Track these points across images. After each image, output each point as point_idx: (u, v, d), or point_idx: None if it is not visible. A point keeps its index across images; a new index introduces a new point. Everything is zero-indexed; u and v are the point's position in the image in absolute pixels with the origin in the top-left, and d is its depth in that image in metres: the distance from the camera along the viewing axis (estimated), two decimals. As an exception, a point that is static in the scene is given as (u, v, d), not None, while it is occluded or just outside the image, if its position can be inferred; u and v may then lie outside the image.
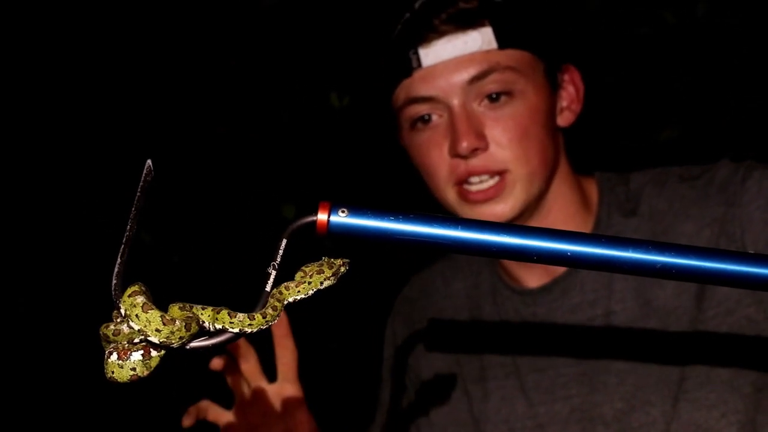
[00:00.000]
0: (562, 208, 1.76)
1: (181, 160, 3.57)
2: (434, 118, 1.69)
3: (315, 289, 0.91)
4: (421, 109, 1.69)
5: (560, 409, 1.72)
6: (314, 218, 0.87)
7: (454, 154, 1.66)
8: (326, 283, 0.91)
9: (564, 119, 1.78)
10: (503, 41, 1.65)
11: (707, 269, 0.85)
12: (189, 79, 3.60)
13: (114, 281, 0.83)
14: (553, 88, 1.73)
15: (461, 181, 1.68)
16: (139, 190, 0.86)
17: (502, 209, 1.67)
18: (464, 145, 1.63)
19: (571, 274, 1.73)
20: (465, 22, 1.64)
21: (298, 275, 0.91)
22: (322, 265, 0.92)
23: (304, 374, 1.70)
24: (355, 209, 0.87)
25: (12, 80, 3.66)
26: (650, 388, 1.65)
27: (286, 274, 0.91)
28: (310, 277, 0.91)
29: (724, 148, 3.04)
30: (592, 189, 1.80)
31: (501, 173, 1.66)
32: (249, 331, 0.84)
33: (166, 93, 3.60)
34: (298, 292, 0.90)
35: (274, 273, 0.86)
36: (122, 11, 3.60)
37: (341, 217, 0.87)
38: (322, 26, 3.49)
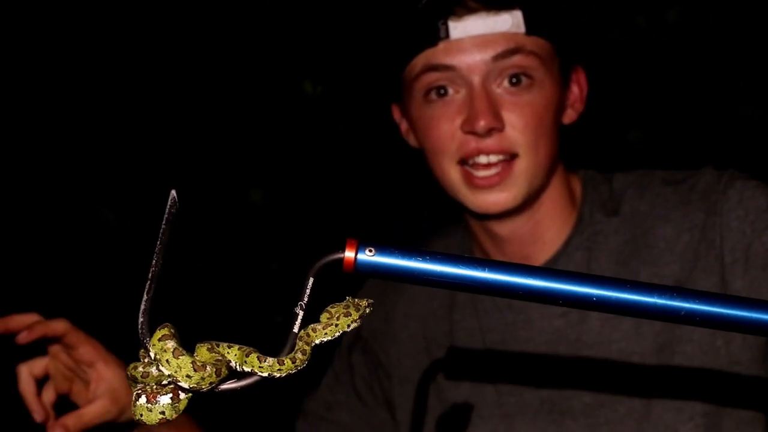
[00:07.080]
0: (552, 203, 1.76)
1: (148, 145, 3.52)
2: (450, 92, 1.67)
3: (342, 332, 0.90)
4: (439, 77, 1.66)
5: (530, 400, 1.74)
6: (341, 256, 0.86)
7: (469, 130, 1.64)
8: (353, 326, 0.91)
9: (567, 117, 1.78)
10: (531, 27, 1.64)
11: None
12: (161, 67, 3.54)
13: (141, 319, 0.81)
14: (564, 85, 1.74)
15: (467, 159, 1.66)
16: (163, 222, 0.84)
17: (505, 198, 1.67)
18: (482, 124, 1.62)
19: None
20: (497, 3, 1.63)
21: (324, 317, 0.90)
22: (348, 306, 0.92)
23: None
24: (382, 248, 0.86)
25: (20, 81, 3.56)
26: (620, 387, 1.68)
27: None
28: (337, 319, 0.90)
29: (692, 149, 3.11)
30: (576, 186, 1.81)
31: (511, 156, 1.65)
32: (278, 375, 0.84)
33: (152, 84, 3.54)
34: (326, 334, 0.90)
35: (301, 313, 0.85)
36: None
37: (368, 256, 0.86)
38: (298, 13, 3.45)
